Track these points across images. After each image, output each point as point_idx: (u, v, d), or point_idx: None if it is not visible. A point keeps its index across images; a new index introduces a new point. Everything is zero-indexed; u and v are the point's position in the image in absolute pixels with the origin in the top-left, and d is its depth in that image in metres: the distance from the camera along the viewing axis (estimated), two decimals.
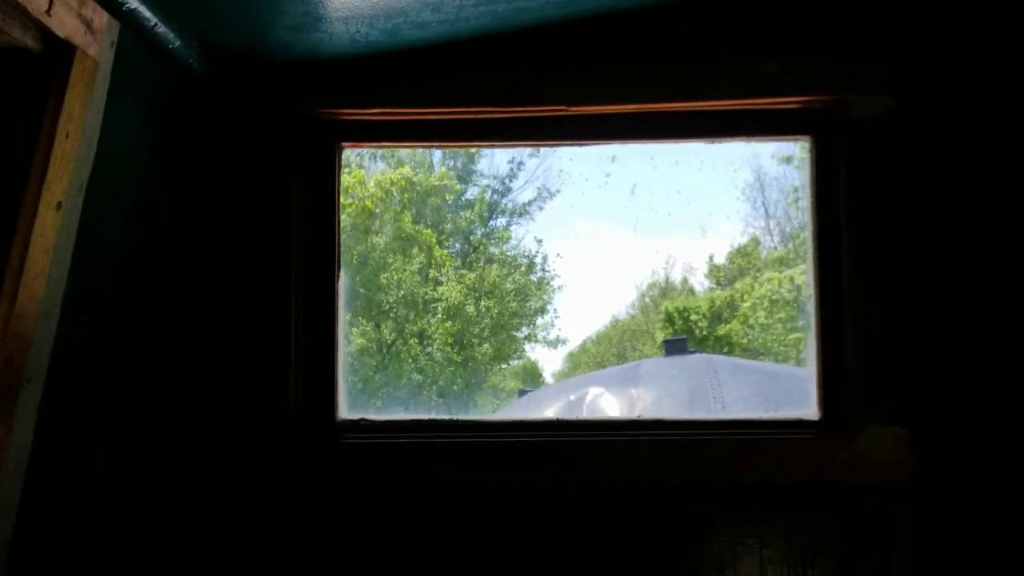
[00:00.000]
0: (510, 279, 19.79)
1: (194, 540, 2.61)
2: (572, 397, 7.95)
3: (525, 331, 20.36)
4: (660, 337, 18.55)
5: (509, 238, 20.79)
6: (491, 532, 2.61)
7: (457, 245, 20.44)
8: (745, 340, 17.50)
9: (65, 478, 2.27)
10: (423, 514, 2.62)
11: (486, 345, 18.84)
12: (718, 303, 18.98)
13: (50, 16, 1.83)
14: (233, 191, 2.68)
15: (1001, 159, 2.62)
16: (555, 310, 20.51)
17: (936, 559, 2.57)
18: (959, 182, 2.62)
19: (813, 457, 2.61)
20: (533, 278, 20.33)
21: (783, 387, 7.70)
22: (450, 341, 18.11)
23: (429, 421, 2.70)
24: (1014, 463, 2.57)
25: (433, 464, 2.62)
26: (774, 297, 17.19)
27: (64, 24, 1.88)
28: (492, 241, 20.55)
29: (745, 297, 18.15)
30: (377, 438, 2.66)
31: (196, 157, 2.66)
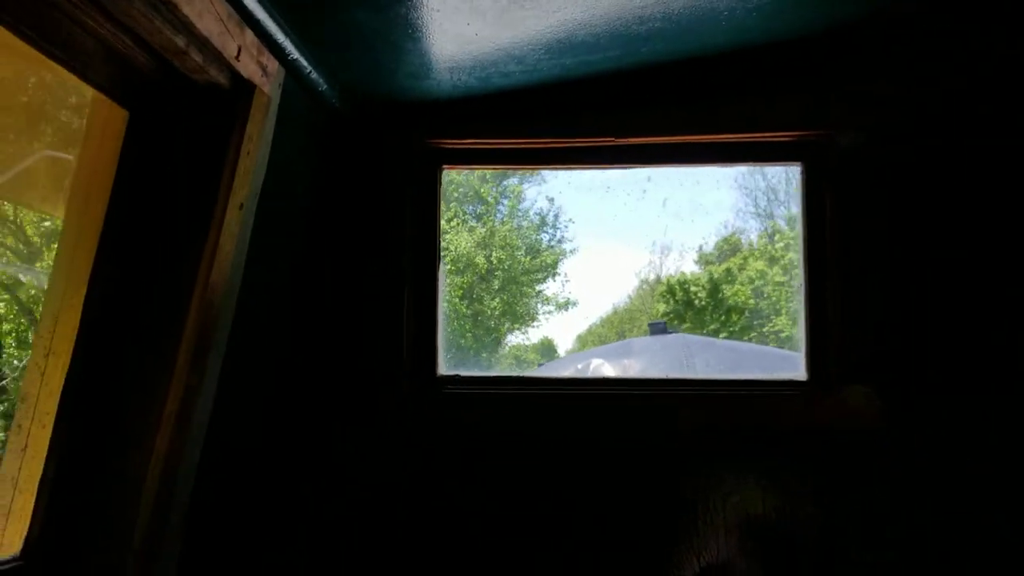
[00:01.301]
0: (520, 234, 16.02)
1: (334, 469, 2.57)
2: (579, 366, 7.91)
3: (537, 288, 16.63)
4: (662, 308, 17.64)
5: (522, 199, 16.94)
6: (555, 466, 2.56)
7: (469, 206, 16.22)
8: (752, 302, 15.87)
9: (239, 417, 2.23)
10: (504, 450, 2.56)
11: (496, 300, 15.31)
12: (716, 275, 17.62)
13: (238, 61, 1.79)
14: (363, 200, 2.65)
15: (960, 182, 2.54)
16: (565, 274, 17.08)
17: (901, 494, 2.49)
18: (926, 198, 2.54)
19: (800, 410, 2.54)
20: (544, 238, 16.52)
21: (741, 359, 7.63)
22: (459, 293, 14.57)
23: (508, 377, 2.64)
24: (963, 418, 2.49)
25: (511, 410, 2.57)
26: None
27: (247, 67, 1.83)
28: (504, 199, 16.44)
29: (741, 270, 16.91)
30: (467, 389, 2.60)
31: (338, 172, 2.63)
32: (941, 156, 2.56)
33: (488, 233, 15.06)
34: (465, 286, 14.32)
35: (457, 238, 14.67)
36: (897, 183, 2.57)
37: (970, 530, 2.45)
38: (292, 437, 2.54)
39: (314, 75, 2.20)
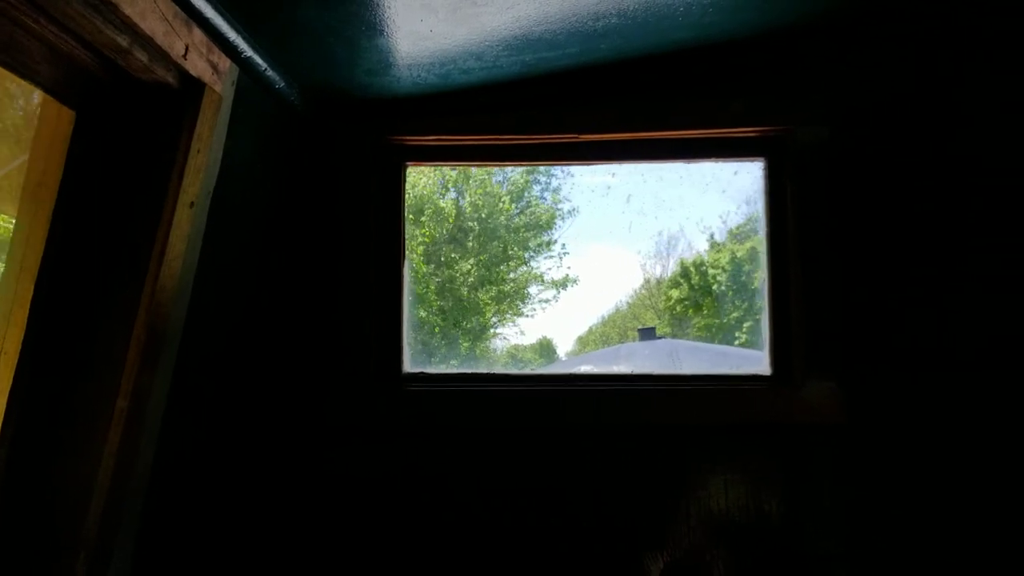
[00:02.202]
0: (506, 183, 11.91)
1: (294, 468, 2.59)
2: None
3: (530, 265, 12.88)
4: (675, 294, 17.14)
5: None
6: (521, 461, 2.58)
7: None
8: None
9: (194, 415, 2.25)
10: (467, 448, 2.58)
11: (472, 264, 11.07)
12: (739, 254, 16.85)
13: (186, 60, 1.80)
14: (324, 198, 2.65)
15: (923, 178, 2.57)
16: (563, 245, 13.72)
17: (865, 488, 2.52)
18: (888, 193, 2.57)
19: (765, 405, 2.56)
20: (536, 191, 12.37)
21: (729, 362, 7.60)
22: (419, 251, 10.18)
23: (473, 374, 2.66)
24: (927, 412, 2.52)
25: (476, 408, 2.58)
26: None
27: (196, 66, 1.85)
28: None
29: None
30: (432, 386, 2.62)
31: (298, 170, 2.63)
32: (904, 151, 2.59)
33: (461, 175, 11.11)
34: (427, 241, 10.53)
35: (417, 177, 11.10)
36: (859, 179, 2.59)
37: (936, 522, 2.49)
38: (251, 435, 2.56)
39: (270, 73, 2.22)
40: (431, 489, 2.57)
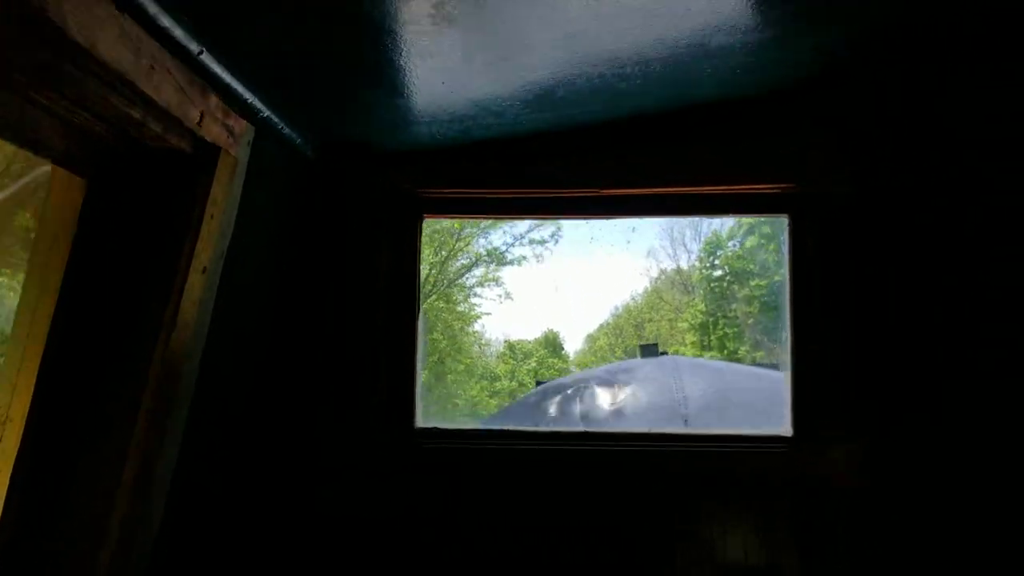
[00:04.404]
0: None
1: (305, 528, 2.54)
2: (569, 391, 7.89)
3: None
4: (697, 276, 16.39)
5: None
6: (540, 519, 2.52)
7: None
8: None
9: (205, 475, 2.22)
10: (487, 509, 2.53)
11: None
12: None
13: (201, 126, 1.78)
14: (339, 250, 2.63)
15: (951, 235, 2.49)
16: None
17: (886, 549, 2.45)
18: (916, 251, 2.50)
19: (786, 465, 2.51)
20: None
21: (727, 378, 7.73)
22: None
23: (490, 430, 2.62)
24: (950, 473, 2.44)
25: (494, 468, 2.53)
26: None
27: (212, 131, 1.82)
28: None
29: None
30: (446, 443, 2.58)
31: (314, 222, 2.61)
32: (930, 208, 2.51)
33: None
34: None
35: None
36: (885, 235, 2.52)
37: None
38: (262, 494, 2.52)
39: (287, 131, 2.19)
40: (448, 552, 2.52)
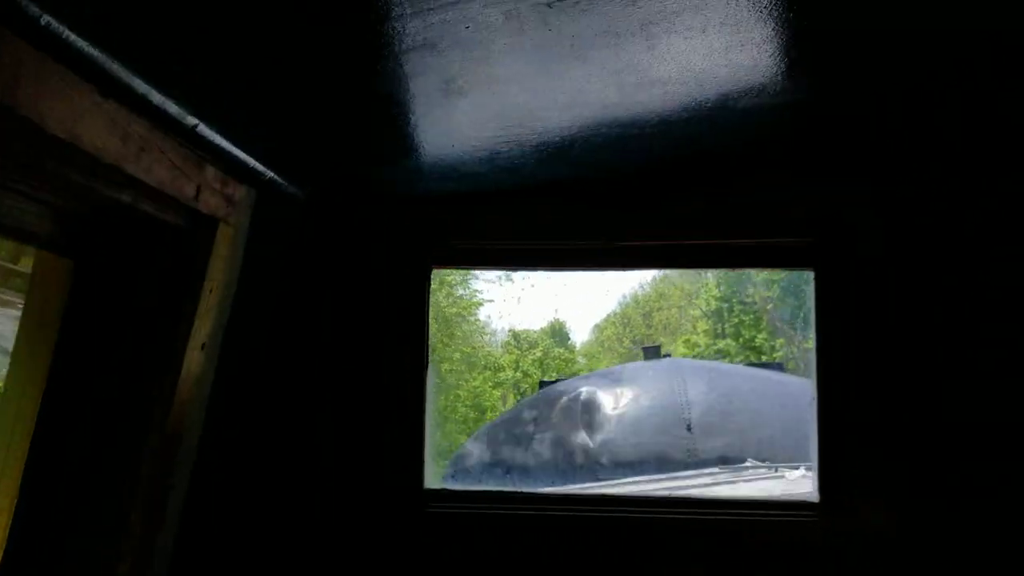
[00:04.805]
0: None
1: None
2: (570, 395, 7.73)
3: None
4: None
5: None
6: None
7: None
8: None
9: (206, 550, 2.12)
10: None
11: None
12: None
13: (198, 200, 1.68)
14: (347, 302, 2.52)
15: (975, 294, 2.37)
16: None
17: None
18: (947, 307, 2.37)
19: (813, 536, 2.38)
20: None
21: (733, 382, 7.55)
22: None
23: (503, 492, 2.51)
24: (988, 542, 2.32)
25: (507, 534, 2.42)
26: None
27: (209, 204, 1.73)
28: None
29: None
30: (456, 508, 2.47)
31: (319, 276, 2.51)
32: (964, 263, 2.39)
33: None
34: None
35: None
36: (916, 291, 2.40)
37: None
38: (265, 567, 2.42)
39: (291, 189, 2.09)
40: None
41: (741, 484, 5.89)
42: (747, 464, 6.51)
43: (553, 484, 6.75)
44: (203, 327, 1.80)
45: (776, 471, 5.97)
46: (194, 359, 1.79)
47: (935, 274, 2.39)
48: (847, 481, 2.40)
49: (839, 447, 2.43)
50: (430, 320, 2.55)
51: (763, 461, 6.15)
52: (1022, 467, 2.31)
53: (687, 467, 6.50)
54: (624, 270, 2.57)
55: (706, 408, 7.10)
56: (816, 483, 2.45)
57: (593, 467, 6.89)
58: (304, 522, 2.43)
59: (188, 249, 1.74)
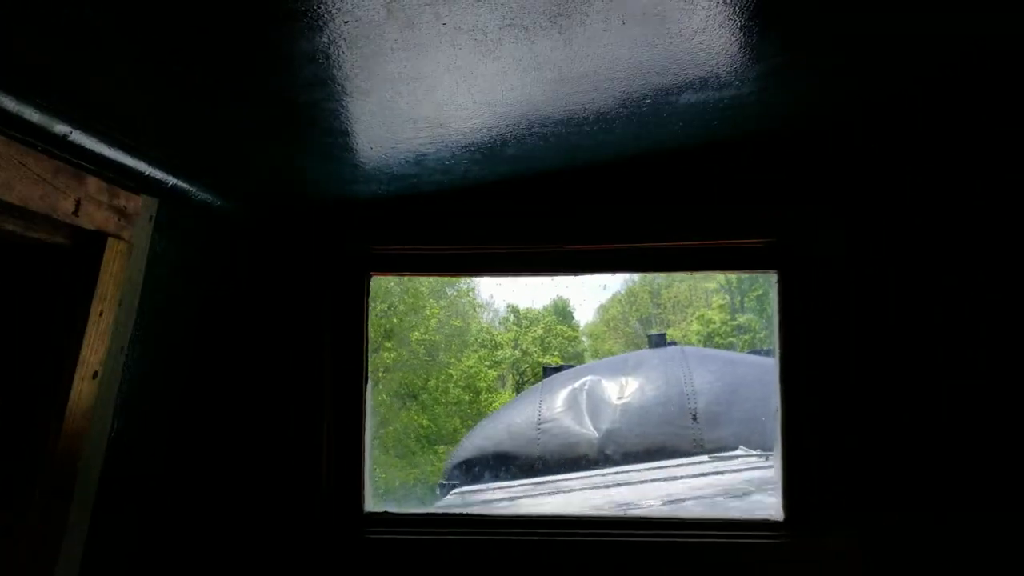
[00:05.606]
0: None
1: None
2: (575, 385, 7.77)
3: None
4: None
5: None
6: None
7: None
8: None
9: None
10: None
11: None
12: None
13: (78, 216, 1.51)
14: (277, 313, 2.36)
15: (936, 297, 2.22)
16: None
17: None
18: (912, 311, 2.23)
19: (776, 554, 2.25)
20: None
21: (738, 371, 7.52)
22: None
23: (450, 516, 2.36)
24: (955, 563, 2.19)
25: (454, 561, 2.27)
26: None
27: (93, 218, 1.56)
28: None
29: None
30: (398, 533, 2.32)
31: (243, 287, 2.34)
32: (925, 266, 2.24)
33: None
34: None
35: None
36: (881, 295, 2.25)
37: None
38: None
39: (201, 196, 1.92)
40: None
41: (728, 474, 5.78)
42: (738, 453, 6.42)
43: (554, 474, 6.68)
44: (94, 354, 1.63)
45: (767, 460, 5.86)
46: (85, 389, 1.63)
47: (901, 274, 2.24)
48: (811, 501, 2.27)
49: (804, 463, 2.30)
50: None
51: (767, 451, 6.04)
52: (990, 485, 2.17)
53: (692, 457, 6.42)
54: (577, 275, 2.40)
55: (712, 397, 6.99)
56: (781, 500, 2.32)
57: (598, 457, 6.83)
58: (234, 550, 2.28)
59: (71, 268, 1.58)
